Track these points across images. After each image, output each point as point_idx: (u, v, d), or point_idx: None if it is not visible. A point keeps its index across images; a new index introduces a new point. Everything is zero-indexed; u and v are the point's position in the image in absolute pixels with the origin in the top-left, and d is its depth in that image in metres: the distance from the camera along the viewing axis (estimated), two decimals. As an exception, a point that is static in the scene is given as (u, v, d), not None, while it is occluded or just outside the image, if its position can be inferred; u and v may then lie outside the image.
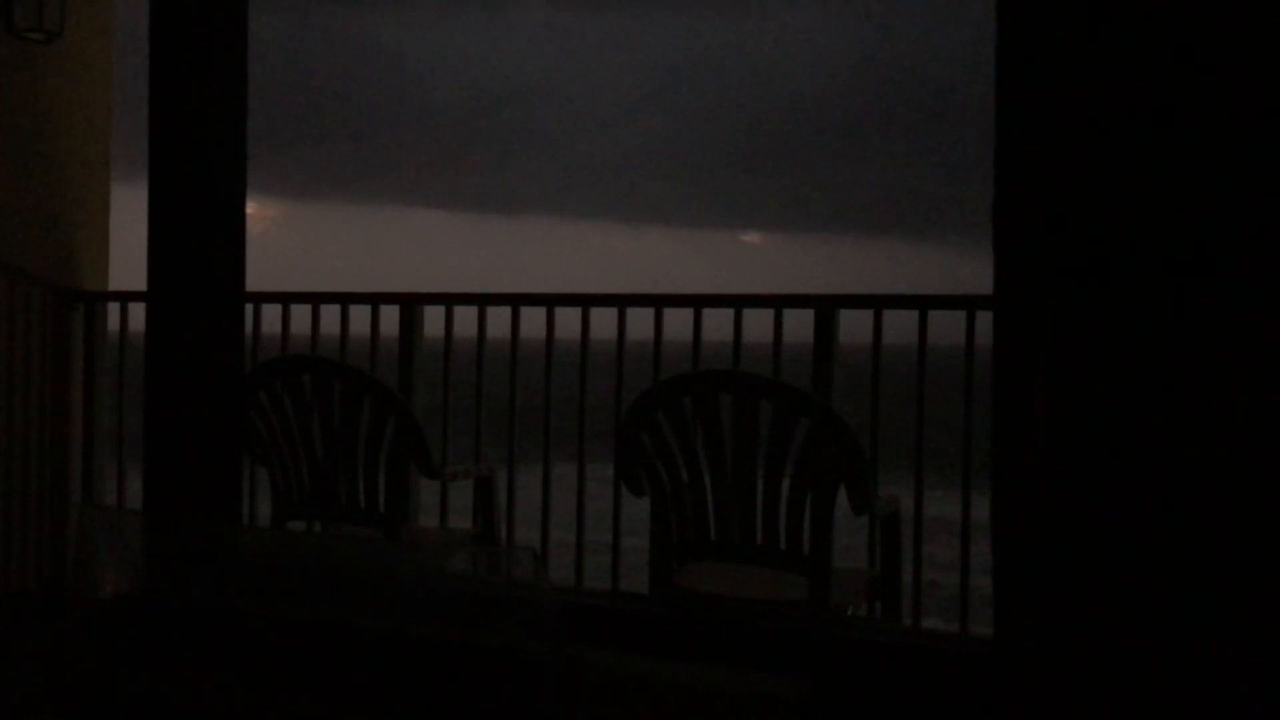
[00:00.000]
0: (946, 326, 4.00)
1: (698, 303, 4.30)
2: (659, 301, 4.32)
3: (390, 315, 4.77)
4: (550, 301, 4.49)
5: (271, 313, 4.83)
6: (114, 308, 5.25)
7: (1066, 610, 2.43)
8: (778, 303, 4.21)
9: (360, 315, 4.74)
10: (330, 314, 4.80)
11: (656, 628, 3.73)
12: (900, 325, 4.07)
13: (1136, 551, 2.37)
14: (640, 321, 4.36)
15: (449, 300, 4.68)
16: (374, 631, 2.98)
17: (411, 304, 4.77)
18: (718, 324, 4.26)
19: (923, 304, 4.02)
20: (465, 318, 4.64)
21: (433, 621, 2.98)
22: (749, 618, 3.68)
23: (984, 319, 3.81)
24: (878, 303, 4.10)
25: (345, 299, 4.79)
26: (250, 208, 4.18)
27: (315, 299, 4.86)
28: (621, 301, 4.39)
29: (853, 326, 4.18)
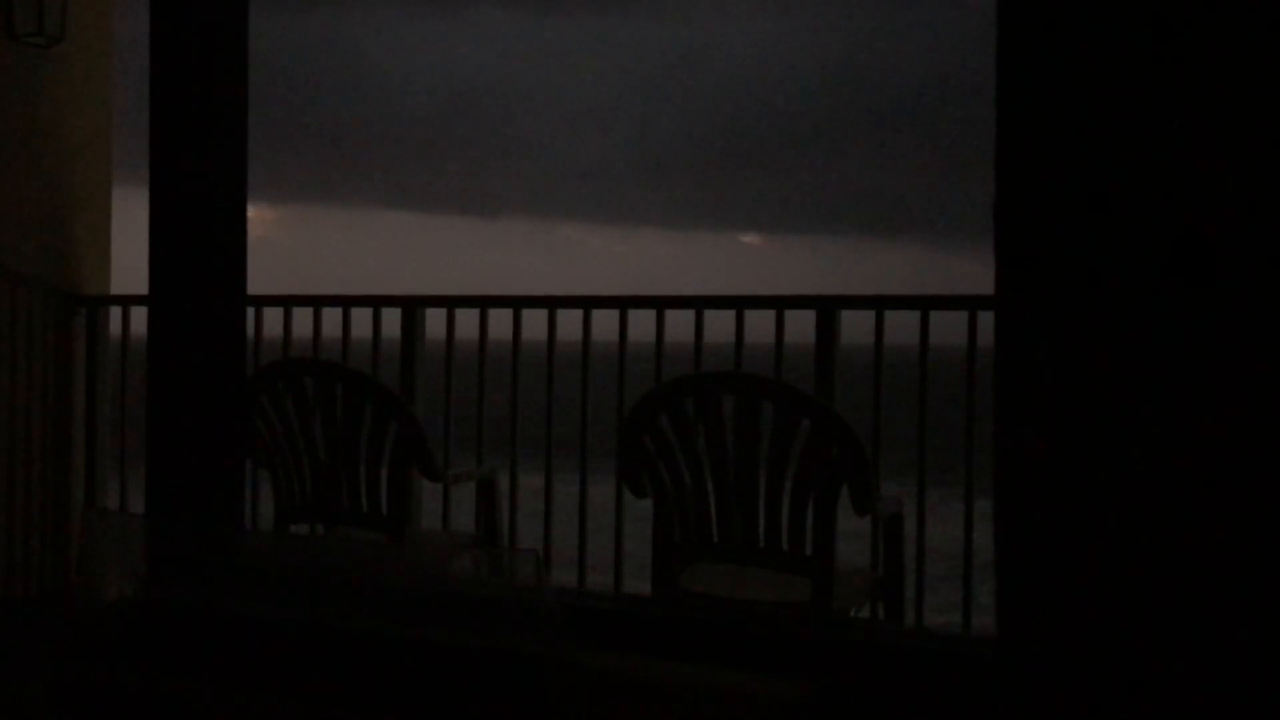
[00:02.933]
0: (949, 327, 4.00)
1: (699, 304, 4.29)
2: (661, 303, 4.32)
3: (391, 318, 4.77)
4: (552, 304, 4.49)
5: (273, 316, 4.84)
6: (116, 311, 5.26)
7: (1071, 612, 2.42)
8: (779, 304, 4.20)
9: (362, 318, 4.75)
10: (331, 317, 4.81)
11: (659, 629, 3.72)
12: (902, 326, 4.07)
13: (1141, 552, 2.36)
14: (642, 323, 4.37)
15: (450, 303, 4.68)
16: (376, 634, 2.99)
17: (413, 306, 4.77)
18: (719, 325, 4.26)
19: (924, 304, 4.01)
20: (467, 320, 4.64)
21: (435, 624, 2.98)
22: (751, 619, 3.68)
23: (986, 319, 3.80)
24: (879, 303, 4.09)
25: (347, 302, 4.79)
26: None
27: (317, 302, 4.87)
28: (623, 303, 4.39)
29: (854, 327, 4.17)
